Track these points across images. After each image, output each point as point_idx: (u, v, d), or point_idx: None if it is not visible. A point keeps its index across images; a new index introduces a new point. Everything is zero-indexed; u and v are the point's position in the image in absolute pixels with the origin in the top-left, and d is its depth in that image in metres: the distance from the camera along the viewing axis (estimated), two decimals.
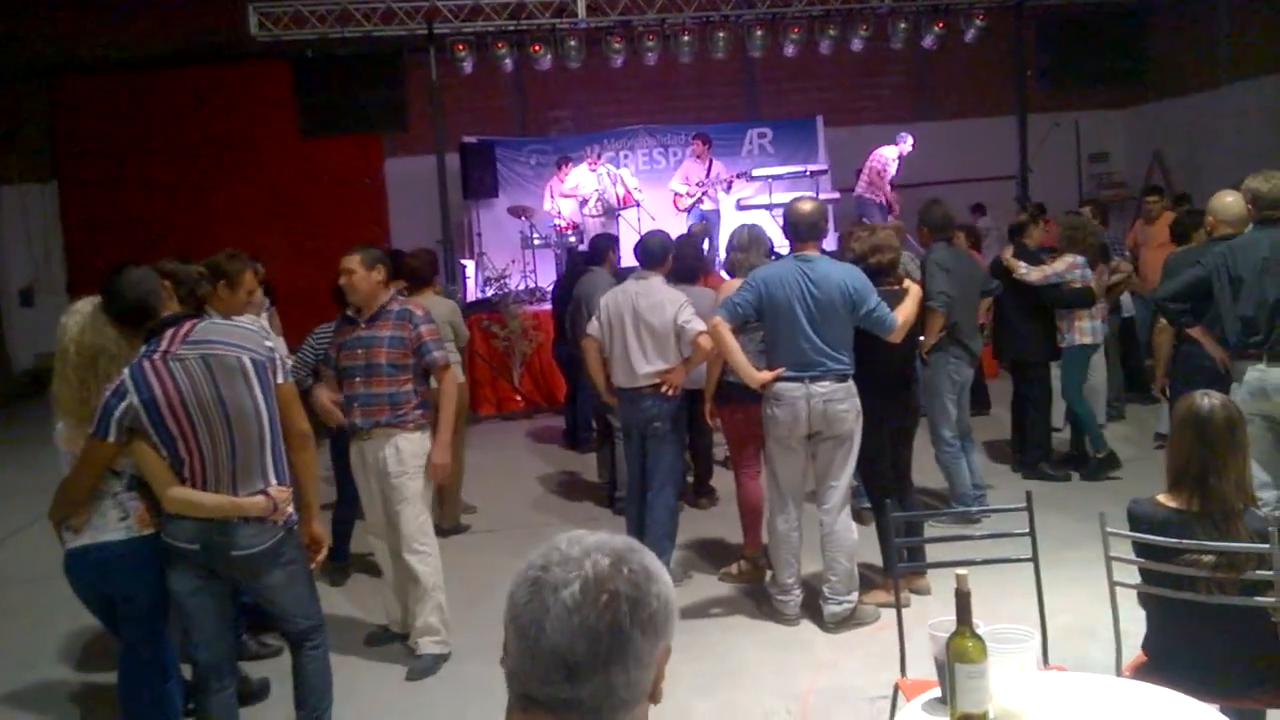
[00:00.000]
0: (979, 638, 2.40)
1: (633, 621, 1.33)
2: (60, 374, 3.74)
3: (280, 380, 3.63)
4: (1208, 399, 3.19)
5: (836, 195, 12.84)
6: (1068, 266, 7.05)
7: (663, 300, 5.66)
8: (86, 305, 3.83)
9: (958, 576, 2.44)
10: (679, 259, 6.18)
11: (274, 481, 3.57)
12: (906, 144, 12.24)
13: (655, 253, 5.91)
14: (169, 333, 3.53)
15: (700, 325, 5.45)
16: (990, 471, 7.29)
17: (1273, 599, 3.02)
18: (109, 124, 14.27)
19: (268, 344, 3.63)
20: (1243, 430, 3.18)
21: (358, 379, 4.81)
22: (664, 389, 5.65)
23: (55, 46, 14.25)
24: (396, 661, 5.11)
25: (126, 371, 3.48)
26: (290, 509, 3.62)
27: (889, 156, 12.29)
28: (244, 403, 3.50)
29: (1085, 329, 7.10)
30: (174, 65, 14.12)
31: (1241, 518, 3.10)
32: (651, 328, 5.64)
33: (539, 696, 1.35)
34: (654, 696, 1.40)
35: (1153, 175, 14.42)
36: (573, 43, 12.66)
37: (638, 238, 6.46)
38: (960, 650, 2.38)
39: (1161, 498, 3.22)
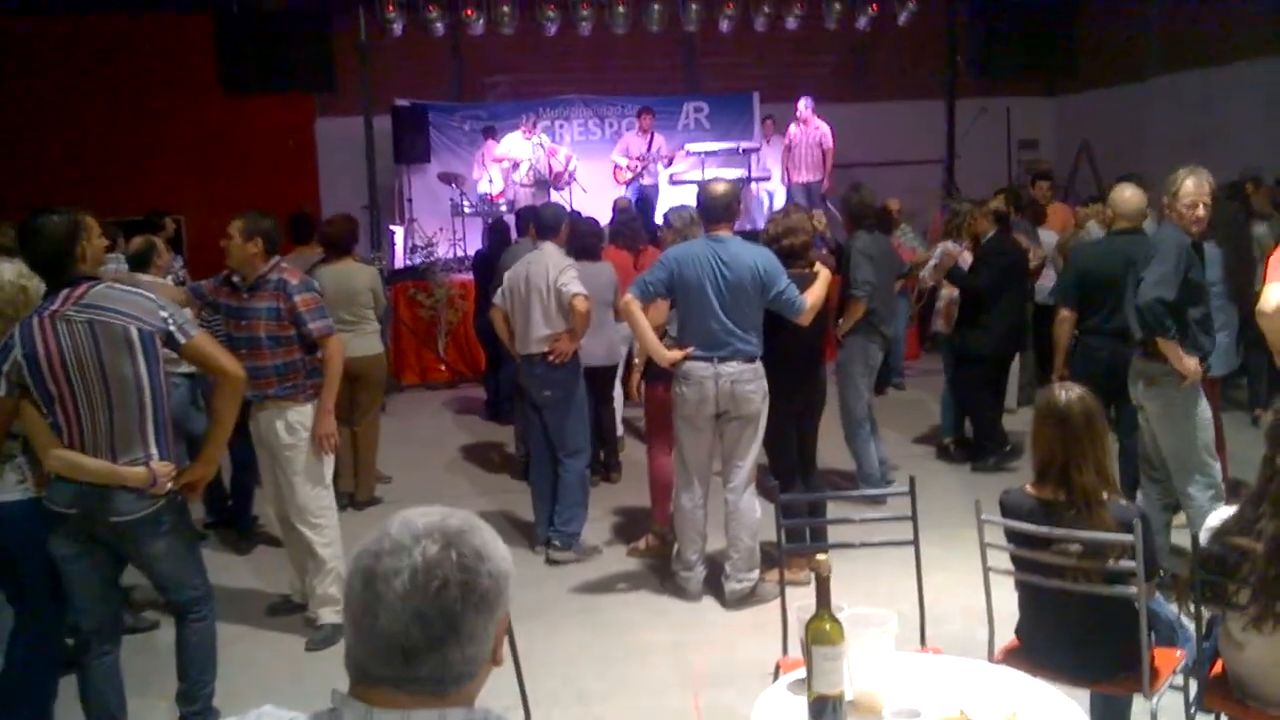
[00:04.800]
0: (837, 621, 2.45)
1: (465, 604, 1.38)
2: None
3: (183, 340, 3.60)
4: (1065, 391, 3.25)
5: (768, 174, 12.89)
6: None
7: (547, 265, 5.73)
8: None
9: (818, 561, 2.48)
10: (576, 234, 6.30)
11: (155, 454, 3.58)
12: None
13: (549, 222, 6.02)
14: (64, 293, 3.51)
15: (577, 288, 5.57)
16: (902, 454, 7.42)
17: (1135, 589, 3.13)
18: (26, 71, 13.81)
19: (162, 314, 3.59)
20: (1101, 421, 3.25)
21: (243, 351, 4.70)
22: (550, 356, 5.68)
23: None
24: (296, 632, 5.08)
25: (16, 327, 3.49)
26: (170, 485, 3.61)
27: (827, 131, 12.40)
28: (125, 372, 3.50)
29: None
30: (93, 10, 13.68)
31: (1106, 507, 3.17)
32: (540, 293, 5.71)
33: (378, 675, 1.39)
34: (495, 659, 1.46)
35: (1080, 164, 14.66)
36: (506, 8, 12.49)
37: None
38: (818, 633, 2.42)
39: (1029, 488, 3.30)
